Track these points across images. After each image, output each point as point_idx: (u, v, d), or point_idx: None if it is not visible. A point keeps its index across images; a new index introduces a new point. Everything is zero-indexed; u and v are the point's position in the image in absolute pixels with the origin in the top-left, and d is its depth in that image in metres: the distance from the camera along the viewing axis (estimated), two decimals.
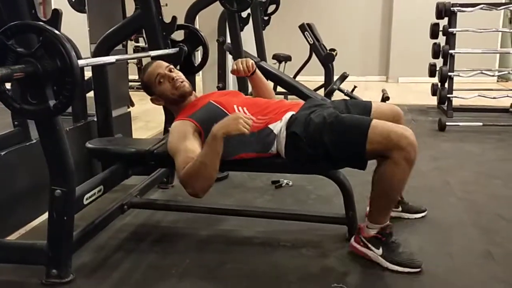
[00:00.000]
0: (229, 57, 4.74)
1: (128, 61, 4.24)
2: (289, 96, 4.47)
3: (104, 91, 2.38)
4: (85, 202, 1.68)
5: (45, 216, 2.10)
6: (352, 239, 1.79)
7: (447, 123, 3.90)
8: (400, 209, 2.09)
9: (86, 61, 1.52)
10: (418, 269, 1.66)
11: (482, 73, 4.57)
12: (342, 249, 1.83)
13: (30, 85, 1.31)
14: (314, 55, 5.24)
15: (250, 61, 2.01)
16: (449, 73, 4.45)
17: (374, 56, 7.71)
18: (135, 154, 1.91)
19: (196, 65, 2.54)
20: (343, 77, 3.92)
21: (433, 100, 5.03)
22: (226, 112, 1.77)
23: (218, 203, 2.17)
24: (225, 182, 2.60)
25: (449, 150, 3.36)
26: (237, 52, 3.65)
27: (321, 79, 5.20)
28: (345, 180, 1.87)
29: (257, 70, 2.09)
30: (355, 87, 3.96)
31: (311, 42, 5.14)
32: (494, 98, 4.44)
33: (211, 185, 1.62)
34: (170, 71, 1.95)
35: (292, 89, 4.01)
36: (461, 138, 3.69)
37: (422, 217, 2.12)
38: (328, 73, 5.10)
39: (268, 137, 1.77)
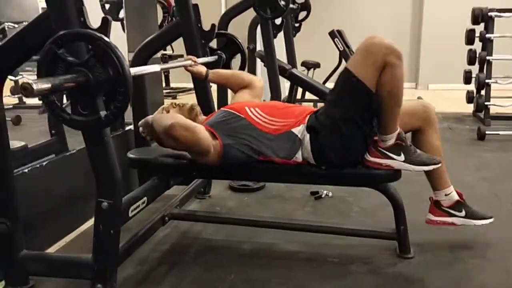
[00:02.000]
0: (259, 65, 4.70)
1: None
2: (318, 104, 4.42)
3: (142, 100, 2.35)
4: (131, 214, 1.63)
5: (84, 227, 2.11)
6: (369, 157, 1.70)
7: (486, 132, 3.77)
8: (463, 213, 1.90)
9: (135, 70, 1.48)
10: (439, 164, 1.70)
11: None
12: (393, 266, 1.75)
13: (80, 95, 1.28)
14: (343, 62, 5.16)
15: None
16: (487, 80, 4.32)
17: (404, 62, 7.55)
18: (177, 165, 1.86)
19: None
20: None
21: (467, 108, 4.90)
22: (238, 114, 1.76)
23: (259, 216, 2.10)
24: (262, 192, 2.55)
25: (492, 160, 3.24)
26: (270, 59, 3.59)
27: None
28: (396, 193, 1.80)
29: (211, 72, 2.08)
30: None
31: (341, 49, 5.07)
32: None
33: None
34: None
35: (324, 96, 3.92)
36: (503, 147, 3.55)
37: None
38: None
39: (293, 143, 1.70)
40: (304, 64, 5.58)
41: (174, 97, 6.56)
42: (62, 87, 1.20)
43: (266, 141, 1.71)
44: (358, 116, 1.66)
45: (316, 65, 5.64)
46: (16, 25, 3.68)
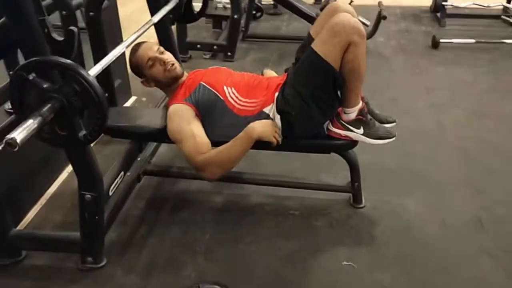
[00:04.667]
0: None
1: None
2: None
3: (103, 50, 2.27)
4: (111, 193, 1.75)
5: (59, 180, 2.22)
6: (331, 126, 1.86)
7: (440, 40, 3.88)
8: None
9: (97, 70, 1.46)
10: (394, 138, 1.85)
11: None
12: (348, 218, 2.01)
13: (58, 118, 1.29)
14: None
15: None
16: None
17: None
18: (149, 133, 1.93)
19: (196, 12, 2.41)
20: None
21: (427, 1, 4.90)
22: (217, 94, 1.85)
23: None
24: None
25: (443, 77, 3.42)
26: None
27: None
28: (352, 155, 1.98)
29: None
30: (351, 2, 3.81)
31: None
32: (488, 7, 4.38)
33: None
34: (161, 53, 1.93)
35: (289, 7, 3.83)
36: (454, 59, 3.72)
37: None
38: None
39: None
40: None
41: None
42: (42, 125, 1.21)
43: (241, 124, 1.79)
44: (325, 94, 1.76)
45: None
46: None
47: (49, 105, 1.23)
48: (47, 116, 1.21)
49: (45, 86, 1.24)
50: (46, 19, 1.29)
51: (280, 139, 1.77)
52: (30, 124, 1.16)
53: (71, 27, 1.31)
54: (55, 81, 1.27)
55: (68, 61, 1.22)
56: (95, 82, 1.24)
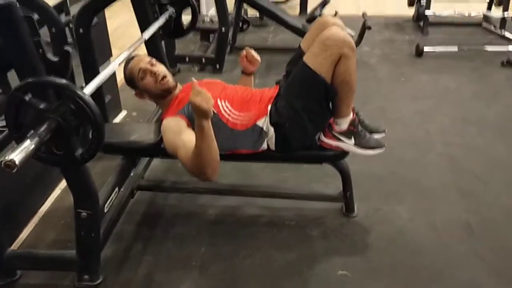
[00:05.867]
0: None
1: None
2: None
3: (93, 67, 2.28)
4: (106, 210, 1.75)
5: (52, 197, 2.21)
6: (322, 137, 1.88)
7: (424, 48, 3.96)
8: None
9: (91, 89, 1.47)
10: (384, 148, 1.89)
11: None
12: (342, 227, 2.03)
13: (54, 138, 1.30)
14: None
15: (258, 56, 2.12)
16: None
17: None
18: (143, 148, 1.94)
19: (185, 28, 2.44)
20: (324, 3, 3.82)
21: (409, 10, 4.98)
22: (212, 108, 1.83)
23: (221, 183, 2.23)
24: None
25: (428, 85, 3.48)
26: None
27: None
28: (344, 165, 2.01)
29: None
30: (336, 12, 3.87)
31: None
32: (469, 15, 4.48)
33: (218, 166, 1.68)
34: (152, 65, 1.95)
35: (275, 18, 3.88)
36: (438, 67, 3.79)
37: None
38: None
39: (259, 136, 1.85)
40: None
41: None
42: (39, 145, 1.22)
43: (235, 138, 1.83)
44: (318, 106, 1.80)
45: None
46: None
47: (45, 125, 1.24)
48: (44, 136, 1.22)
49: (41, 106, 1.25)
50: (40, 39, 1.30)
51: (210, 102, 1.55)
52: (28, 145, 1.16)
53: (66, 48, 1.33)
54: (51, 101, 1.28)
55: (64, 81, 1.24)
56: (91, 101, 1.25)
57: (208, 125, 1.57)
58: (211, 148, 1.61)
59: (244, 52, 2.11)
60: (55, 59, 1.34)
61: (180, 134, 1.77)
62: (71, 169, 1.44)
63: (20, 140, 1.25)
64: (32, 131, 1.23)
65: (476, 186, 2.31)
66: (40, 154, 1.33)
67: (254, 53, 2.12)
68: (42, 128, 1.23)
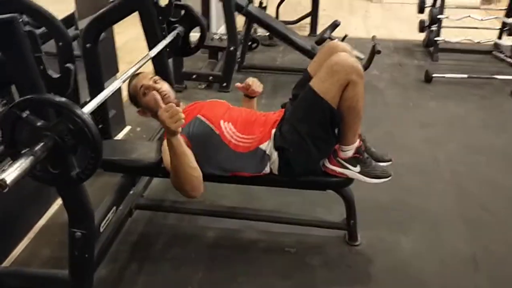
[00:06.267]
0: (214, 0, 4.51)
1: None
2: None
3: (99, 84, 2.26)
4: (102, 230, 1.71)
5: (49, 213, 2.18)
6: (327, 163, 1.84)
7: (433, 75, 3.92)
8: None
9: (92, 107, 1.44)
10: (390, 177, 1.84)
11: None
12: (344, 256, 1.98)
13: (50, 156, 1.27)
14: None
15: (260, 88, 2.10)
16: (438, 16, 4.38)
17: None
18: (143, 167, 1.91)
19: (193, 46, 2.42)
20: (334, 26, 3.80)
21: (419, 34, 4.96)
22: (213, 129, 1.83)
23: (221, 205, 2.21)
24: None
25: (436, 111, 3.43)
26: None
27: None
28: (348, 192, 1.96)
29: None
30: (345, 36, 3.85)
31: None
32: (479, 42, 4.45)
33: (197, 183, 1.69)
34: (155, 82, 1.96)
35: (285, 39, 3.87)
36: (447, 93, 3.75)
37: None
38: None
39: (262, 159, 1.81)
40: None
41: None
42: (34, 164, 1.18)
43: (237, 160, 1.80)
44: (323, 132, 1.76)
45: None
46: None
47: (42, 144, 1.21)
48: (40, 155, 1.19)
49: (38, 124, 1.22)
50: (42, 55, 1.28)
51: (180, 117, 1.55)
52: (21, 164, 1.13)
53: (68, 65, 1.30)
54: (49, 118, 1.25)
55: (63, 99, 1.21)
56: (90, 121, 1.22)
57: (176, 142, 1.60)
58: (184, 165, 1.64)
59: (248, 82, 2.09)
60: (56, 75, 1.31)
61: None
62: (66, 187, 1.41)
63: (15, 157, 1.22)
64: (27, 149, 1.19)
65: (483, 217, 2.25)
66: (36, 172, 1.29)
67: (257, 86, 2.10)
68: (38, 147, 1.20)
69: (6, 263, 1.87)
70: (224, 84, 3.69)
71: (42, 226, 2.13)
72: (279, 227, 2.09)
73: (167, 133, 1.59)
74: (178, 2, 2.35)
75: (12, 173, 1.09)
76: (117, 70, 2.85)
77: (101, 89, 2.15)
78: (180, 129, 1.58)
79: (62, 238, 1.98)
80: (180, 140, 1.62)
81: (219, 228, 2.12)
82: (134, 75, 1.95)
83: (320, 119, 1.74)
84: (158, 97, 1.75)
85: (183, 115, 1.56)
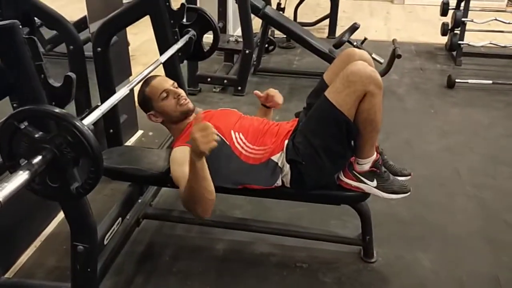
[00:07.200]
0: (231, 2, 4.45)
1: None
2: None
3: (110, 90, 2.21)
4: (106, 242, 1.65)
5: (57, 220, 2.13)
6: (343, 178, 1.75)
7: (456, 80, 3.79)
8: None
9: (94, 117, 1.38)
10: (408, 193, 1.75)
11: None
12: (358, 273, 1.88)
13: (49, 170, 1.21)
14: None
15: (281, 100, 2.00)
16: (463, 19, 4.23)
17: None
18: (151, 176, 1.85)
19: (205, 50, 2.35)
20: (353, 29, 3.70)
21: (441, 38, 4.81)
22: (224, 139, 1.74)
23: (232, 217, 2.14)
24: None
25: (458, 119, 3.31)
26: None
27: None
28: (364, 207, 1.86)
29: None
30: (365, 39, 3.75)
31: None
32: (505, 47, 4.29)
33: (210, 206, 1.55)
34: (176, 87, 1.88)
35: (302, 42, 3.78)
36: (470, 100, 3.61)
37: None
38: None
39: (274, 171, 1.73)
40: None
41: None
42: (32, 177, 1.13)
43: (248, 171, 1.72)
44: (338, 145, 1.68)
45: None
46: None
47: (40, 157, 1.15)
48: (38, 168, 1.13)
49: (37, 136, 1.16)
50: (43, 64, 1.22)
51: (214, 139, 1.40)
52: (19, 178, 1.07)
53: (69, 73, 1.24)
54: (48, 130, 1.19)
55: (63, 111, 1.15)
56: (90, 134, 1.15)
57: (200, 165, 1.45)
58: (202, 188, 1.49)
59: (270, 93, 1.99)
60: (57, 84, 1.25)
61: (183, 165, 1.62)
62: (70, 204, 1.35)
63: (13, 170, 1.16)
64: (25, 161, 1.14)
65: (507, 235, 2.13)
66: (34, 186, 1.24)
67: (278, 98, 1.99)
68: (36, 160, 1.14)
69: (12, 271, 1.83)
70: (239, 88, 3.62)
71: (49, 233, 2.08)
72: (291, 240, 2.01)
73: (193, 153, 1.43)
74: (191, 5, 2.29)
75: (4, 189, 1.03)
76: (130, 74, 2.81)
77: (112, 93, 2.09)
78: (207, 152, 1.41)
79: (69, 247, 1.96)
80: (205, 164, 1.47)
81: (229, 240, 2.05)
82: (150, 77, 1.87)
83: (335, 132, 1.65)
84: (202, 113, 1.63)
85: (217, 137, 1.41)
